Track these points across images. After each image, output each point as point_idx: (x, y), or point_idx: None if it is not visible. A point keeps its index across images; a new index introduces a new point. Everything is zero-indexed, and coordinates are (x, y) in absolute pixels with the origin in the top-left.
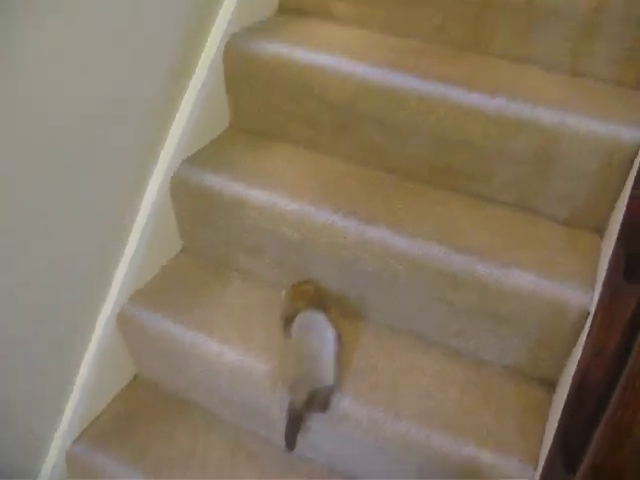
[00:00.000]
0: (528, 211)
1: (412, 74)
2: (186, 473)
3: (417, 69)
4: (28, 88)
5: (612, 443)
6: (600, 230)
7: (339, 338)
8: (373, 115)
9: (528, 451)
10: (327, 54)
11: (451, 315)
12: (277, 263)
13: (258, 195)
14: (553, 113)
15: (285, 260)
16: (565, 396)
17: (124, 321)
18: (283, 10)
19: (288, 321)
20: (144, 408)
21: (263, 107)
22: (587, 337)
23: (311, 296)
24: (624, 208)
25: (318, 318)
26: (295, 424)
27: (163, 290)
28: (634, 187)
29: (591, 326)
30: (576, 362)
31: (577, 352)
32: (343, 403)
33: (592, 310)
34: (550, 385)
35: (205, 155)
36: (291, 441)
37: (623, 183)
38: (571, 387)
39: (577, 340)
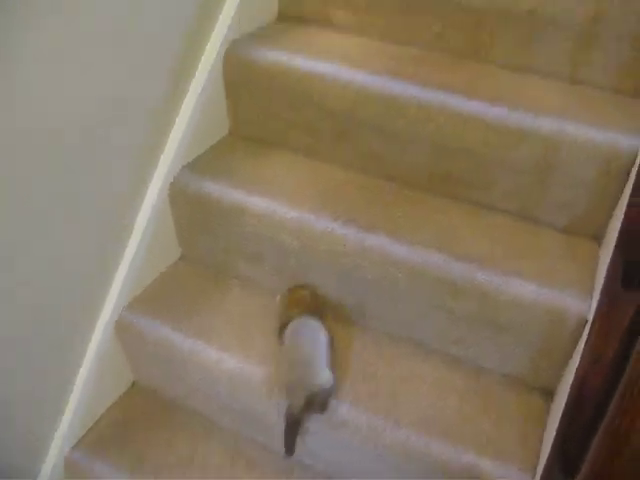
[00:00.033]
0: (527, 219)
1: (412, 82)
2: None
3: (417, 77)
4: (27, 88)
5: (610, 451)
6: (599, 238)
7: (332, 341)
8: (373, 123)
9: (527, 459)
10: (327, 62)
11: (451, 323)
12: (276, 270)
13: (257, 202)
14: (552, 121)
15: (284, 267)
16: (563, 404)
17: (122, 328)
18: (283, 17)
19: (282, 328)
20: (142, 415)
21: (263, 114)
22: (585, 345)
23: (306, 303)
24: (622, 216)
25: (310, 323)
26: (293, 429)
27: (162, 297)
28: (632, 195)
29: (589, 334)
30: (574, 370)
31: (575, 360)
32: (342, 410)
33: (590, 318)
34: (549, 393)
35: (204, 162)
36: (290, 446)
37: (621, 191)
38: (569, 395)
39: (575, 348)
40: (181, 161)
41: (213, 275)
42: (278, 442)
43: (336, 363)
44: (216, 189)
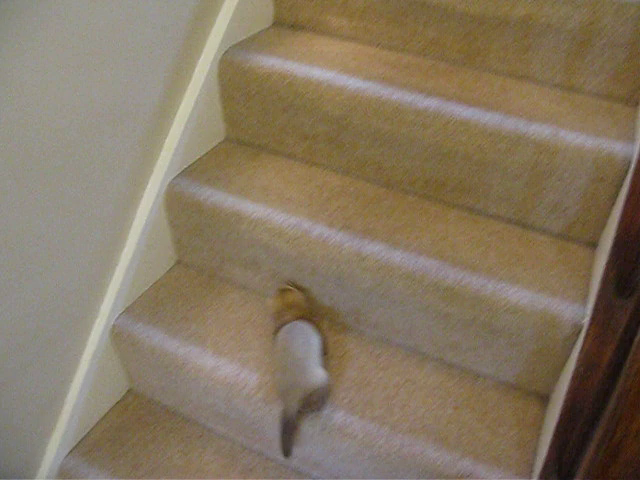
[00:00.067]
0: (522, 225)
1: (407, 88)
2: None
3: (412, 83)
4: (21, 94)
5: (605, 457)
6: (593, 244)
7: (325, 342)
8: (368, 129)
9: (523, 465)
10: (322, 68)
11: (446, 329)
12: (272, 276)
13: (253, 208)
14: (547, 128)
15: (280, 273)
16: (559, 410)
17: (118, 334)
18: (278, 24)
19: (276, 333)
20: (138, 422)
21: (258, 120)
22: (580, 351)
23: (299, 306)
24: (616, 223)
25: (302, 327)
26: (289, 432)
27: (157, 303)
28: (626, 202)
29: (584, 340)
30: (570, 376)
31: (570, 366)
32: (337, 416)
33: (585, 324)
34: (545, 399)
35: (200, 167)
36: (287, 448)
37: (615, 197)
38: (565, 401)
39: (570, 354)
40: (177, 167)
41: (209, 281)
42: (274, 450)
43: (331, 369)
44: (212, 195)
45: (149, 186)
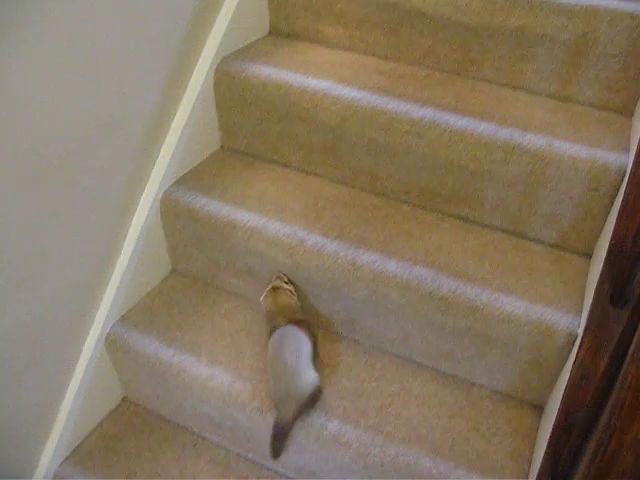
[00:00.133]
0: (517, 235)
1: (402, 98)
2: None
3: (407, 93)
4: (18, 107)
5: (599, 468)
6: (588, 254)
7: (315, 345)
8: (363, 139)
9: (517, 475)
10: (317, 77)
11: (440, 338)
12: (267, 285)
13: (248, 217)
14: (541, 138)
15: None
16: (553, 419)
17: (112, 343)
18: (274, 33)
19: (269, 335)
20: (132, 430)
21: (254, 129)
22: (575, 361)
23: (291, 308)
24: (611, 233)
25: (292, 332)
26: (281, 439)
27: (152, 312)
28: (621, 212)
29: (578, 351)
30: (564, 386)
31: (565, 375)
32: (332, 426)
33: (580, 334)
34: (539, 408)
35: (196, 177)
36: (277, 451)
37: (610, 208)
38: (559, 411)
39: (565, 363)
40: (173, 176)
41: (204, 290)
42: (269, 458)
43: (325, 379)
44: (207, 204)
45: (145, 194)
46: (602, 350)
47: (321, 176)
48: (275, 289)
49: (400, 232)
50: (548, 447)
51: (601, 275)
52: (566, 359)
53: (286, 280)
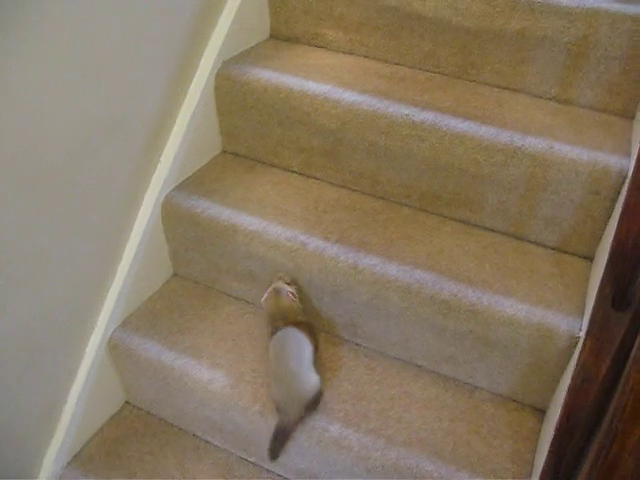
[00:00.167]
0: (518, 238)
1: (402, 101)
2: None
3: (407, 96)
4: (19, 110)
5: (601, 472)
6: (589, 257)
7: (317, 347)
8: (364, 142)
9: (519, 478)
10: (318, 81)
11: (442, 341)
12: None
13: (249, 221)
14: (542, 141)
15: None
16: (555, 422)
17: (114, 347)
18: (274, 37)
19: (270, 337)
20: (134, 434)
21: (255, 133)
22: (576, 364)
23: (293, 312)
24: (612, 236)
25: (293, 334)
26: (282, 441)
27: (154, 316)
28: (622, 215)
29: (580, 354)
30: (565, 389)
31: (567, 378)
32: (333, 429)
33: (582, 337)
34: (540, 412)
35: (197, 180)
36: (275, 453)
37: (611, 210)
38: (561, 414)
39: (566, 366)
40: (174, 180)
41: (205, 293)
42: (270, 462)
43: (327, 382)
44: (208, 208)
45: (146, 199)
46: (604, 353)
47: (322, 180)
48: (277, 291)
49: (401, 235)
50: (550, 450)
51: (603, 278)
52: (567, 362)
53: (288, 281)
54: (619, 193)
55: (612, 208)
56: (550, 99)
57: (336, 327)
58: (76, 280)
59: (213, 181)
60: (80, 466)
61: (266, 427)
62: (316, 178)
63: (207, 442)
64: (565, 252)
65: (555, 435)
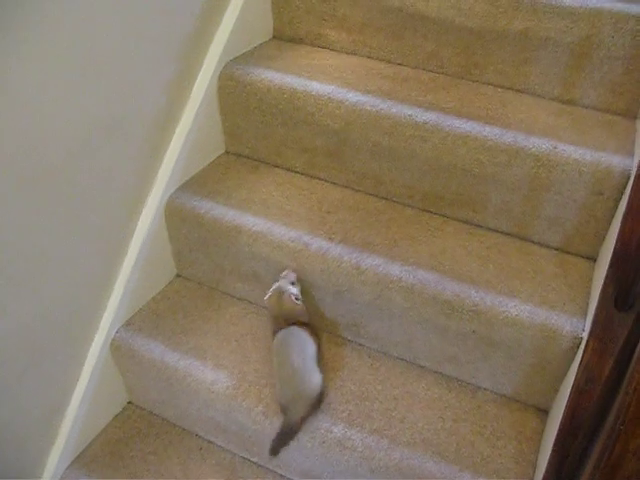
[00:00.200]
0: (521, 238)
1: (406, 101)
2: None
3: (411, 97)
4: (21, 110)
5: (604, 473)
6: (593, 257)
7: (320, 347)
8: (367, 142)
9: (522, 478)
10: (321, 82)
11: (445, 342)
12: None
13: (253, 222)
14: (545, 141)
15: None
16: (558, 423)
17: (118, 347)
18: (277, 37)
19: (274, 336)
20: (138, 435)
21: (258, 133)
22: (579, 365)
23: (296, 314)
24: (615, 237)
25: (296, 333)
26: (286, 439)
27: (157, 316)
28: (625, 216)
29: (583, 354)
30: (569, 389)
31: (570, 379)
32: (337, 430)
33: (585, 338)
34: (544, 412)
35: (200, 181)
36: (276, 450)
37: (614, 211)
38: (564, 415)
39: (570, 367)
40: (177, 180)
41: (209, 294)
42: (274, 462)
43: (330, 382)
44: (212, 208)
45: (149, 199)
46: (607, 354)
47: (325, 180)
48: (280, 292)
49: (404, 236)
50: (553, 450)
51: (606, 278)
52: (571, 363)
53: (293, 280)
54: (622, 193)
55: (615, 208)
56: (553, 99)
57: (339, 327)
58: (77, 280)
59: (216, 182)
60: (83, 466)
61: (270, 428)
62: (320, 178)
63: (210, 443)
64: (568, 252)
65: (558, 435)
